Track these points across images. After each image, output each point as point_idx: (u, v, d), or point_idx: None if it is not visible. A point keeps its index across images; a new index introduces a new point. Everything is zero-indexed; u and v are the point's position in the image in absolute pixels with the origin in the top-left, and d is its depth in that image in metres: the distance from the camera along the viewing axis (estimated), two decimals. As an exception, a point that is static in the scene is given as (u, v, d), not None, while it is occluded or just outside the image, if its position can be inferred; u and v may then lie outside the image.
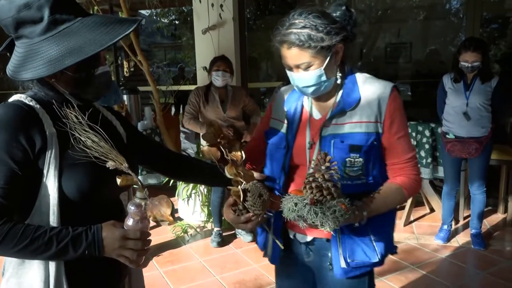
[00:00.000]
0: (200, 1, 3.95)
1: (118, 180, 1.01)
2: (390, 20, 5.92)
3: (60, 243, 0.96)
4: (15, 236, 0.93)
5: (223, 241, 3.62)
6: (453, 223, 3.61)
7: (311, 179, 1.14)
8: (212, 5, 3.96)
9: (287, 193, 1.24)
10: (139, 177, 3.94)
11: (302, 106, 1.38)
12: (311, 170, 1.19)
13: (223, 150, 1.24)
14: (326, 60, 1.23)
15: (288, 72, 1.30)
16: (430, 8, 5.86)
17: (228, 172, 1.22)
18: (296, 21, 1.22)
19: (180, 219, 4.07)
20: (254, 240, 3.60)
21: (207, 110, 3.41)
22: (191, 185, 3.89)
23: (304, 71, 1.25)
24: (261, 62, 6.55)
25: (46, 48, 0.98)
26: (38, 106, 1.03)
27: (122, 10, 4.01)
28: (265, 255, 1.47)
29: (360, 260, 1.30)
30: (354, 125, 1.26)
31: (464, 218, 3.87)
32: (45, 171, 1.00)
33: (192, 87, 4.44)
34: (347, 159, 1.24)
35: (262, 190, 1.20)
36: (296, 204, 1.15)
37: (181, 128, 6.54)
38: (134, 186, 1.08)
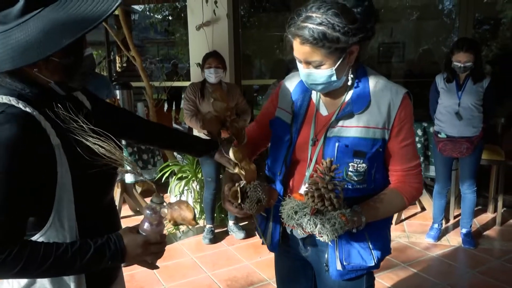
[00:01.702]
0: (194, -3, 3.93)
1: (139, 188, 1.00)
2: (383, 20, 5.94)
3: (84, 257, 0.93)
4: (36, 258, 0.89)
5: (215, 238, 3.61)
6: (443, 222, 3.64)
7: (314, 187, 1.11)
8: (207, 1, 3.94)
9: (288, 195, 1.22)
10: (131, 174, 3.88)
11: (310, 99, 1.34)
12: (313, 175, 1.16)
13: (226, 122, 1.18)
14: (339, 61, 1.17)
15: (298, 64, 1.24)
16: (423, 8, 5.89)
17: (233, 156, 1.18)
18: (314, 15, 1.14)
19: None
20: (246, 237, 3.61)
21: (203, 106, 3.39)
22: (183, 182, 3.87)
23: (314, 68, 1.19)
24: (255, 59, 6.54)
25: (26, 31, 0.86)
26: (35, 112, 0.93)
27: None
28: (264, 243, 1.46)
29: (356, 263, 1.29)
30: (361, 130, 1.22)
31: (455, 217, 3.90)
32: (58, 188, 0.95)
33: (186, 83, 4.43)
34: (350, 164, 1.22)
35: (261, 195, 1.16)
36: (296, 213, 1.14)
37: (174, 125, 6.51)
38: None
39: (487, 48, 5.39)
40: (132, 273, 2.98)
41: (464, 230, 3.45)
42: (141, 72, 3.92)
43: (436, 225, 3.54)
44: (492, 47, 5.54)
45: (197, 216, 3.91)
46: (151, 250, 1.01)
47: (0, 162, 0.86)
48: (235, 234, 3.66)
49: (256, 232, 1.52)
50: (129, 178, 3.78)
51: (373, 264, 1.30)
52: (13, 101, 0.92)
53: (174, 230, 3.75)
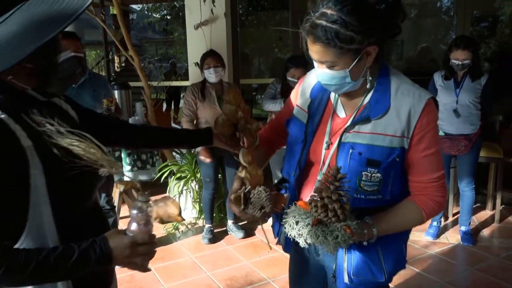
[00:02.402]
0: (192, -4, 3.93)
1: (121, 187, 0.97)
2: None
3: (68, 262, 0.89)
4: (17, 264, 0.85)
5: (215, 238, 3.61)
6: (442, 219, 3.64)
7: (317, 196, 1.05)
8: (204, 0, 3.94)
9: (294, 203, 1.16)
10: (130, 173, 3.86)
11: (328, 98, 1.26)
12: (318, 184, 1.10)
13: (238, 124, 1.13)
14: (353, 63, 1.09)
15: (314, 63, 1.17)
16: (422, 6, 5.89)
17: (242, 159, 1.14)
18: (329, 11, 1.05)
19: (171, 215, 4.06)
20: (246, 236, 3.61)
21: (204, 107, 3.37)
22: (182, 182, 3.87)
23: (327, 69, 1.12)
24: (253, 58, 6.54)
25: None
26: (3, 115, 0.89)
27: (113, 4, 3.97)
28: (278, 243, 1.43)
29: (364, 278, 1.22)
30: (377, 137, 1.12)
31: (453, 214, 3.91)
32: (32, 191, 0.90)
33: (184, 83, 4.43)
34: (363, 173, 1.13)
35: (264, 202, 1.12)
36: (297, 223, 1.08)
37: (173, 124, 6.50)
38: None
39: (485, 45, 5.39)
40: (131, 273, 2.98)
41: (463, 228, 3.46)
42: (139, 72, 3.91)
43: (435, 223, 3.55)
44: (490, 44, 5.53)
45: (196, 215, 3.93)
46: (139, 251, 0.98)
47: None
48: (234, 233, 3.67)
49: (259, 232, 1.47)
50: (127, 178, 3.79)
51: (384, 280, 1.22)
52: None
53: (174, 230, 3.75)
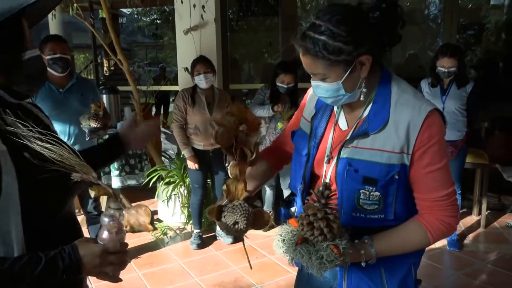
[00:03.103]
0: (182, 2, 3.93)
1: (92, 192, 0.94)
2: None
3: (34, 271, 0.85)
4: None
5: (203, 243, 3.60)
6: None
7: (304, 214, 1.01)
8: (194, 5, 3.94)
9: (285, 221, 1.12)
10: (118, 178, 3.82)
11: (332, 110, 1.21)
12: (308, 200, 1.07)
13: (237, 138, 1.08)
14: (345, 74, 1.04)
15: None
16: (410, 13, 5.98)
17: (230, 172, 1.09)
18: (317, 22, 1.02)
19: (159, 220, 4.03)
20: (234, 242, 3.60)
21: (194, 113, 3.36)
22: (171, 187, 3.85)
23: (320, 81, 1.08)
24: (243, 63, 6.55)
25: None
26: None
27: (102, 7, 3.96)
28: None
29: None
30: (375, 153, 1.07)
31: (440, 220, 3.94)
32: (3, 197, 0.86)
33: (173, 88, 4.41)
34: (361, 191, 1.08)
35: (239, 218, 1.07)
36: (283, 241, 1.05)
37: (162, 129, 6.47)
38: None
39: (471, 53, 5.49)
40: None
41: (449, 233, 3.49)
42: (128, 76, 3.89)
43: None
44: (476, 52, 5.64)
45: (184, 221, 3.91)
46: (110, 260, 0.93)
47: None
48: (223, 239, 3.66)
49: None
50: (115, 183, 3.75)
51: None
52: None
53: (162, 236, 3.73)
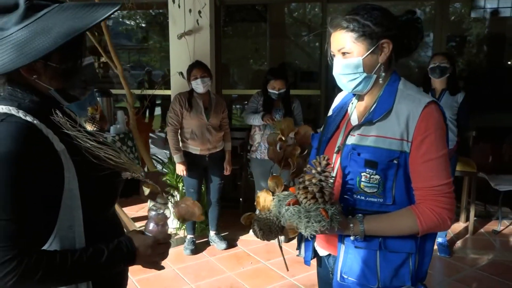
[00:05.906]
0: (179, 6, 3.91)
1: (147, 190, 1.04)
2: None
3: (99, 261, 0.94)
4: (53, 266, 0.89)
5: (197, 249, 3.58)
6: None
7: (301, 179, 1.13)
8: (190, 10, 3.94)
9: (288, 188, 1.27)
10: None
11: (346, 111, 1.34)
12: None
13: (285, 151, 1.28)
14: (367, 52, 1.17)
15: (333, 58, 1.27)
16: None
17: (268, 184, 1.26)
18: (353, 10, 1.20)
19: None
20: (228, 247, 3.59)
21: (190, 117, 3.35)
22: (163, 192, 3.81)
23: (342, 57, 1.21)
24: (235, 69, 6.56)
25: (25, 36, 0.88)
26: (35, 121, 0.91)
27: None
28: (299, 255, 1.47)
29: (356, 281, 1.22)
30: (377, 140, 1.17)
31: (429, 226, 4.02)
32: (65, 194, 0.93)
33: (167, 92, 4.37)
34: (362, 174, 1.17)
35: (264, 228, 1.23)
36: (279, 201, 1.17)
37: (150, 134, 6.40)
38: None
39: (460, 64, 5.65)
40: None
41: (439, 239, 3.57)
42: (122, 80, 3.84)
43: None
44: (464, 62, 5.81)
45: (177, 226, 3.87)
46: (159, 250, 1.03)
47: (5, 175, 0.85)
48: (217, 244, 3.64)
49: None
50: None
51: (376, 285, 1.20)
52: (13, 110, 0.92)
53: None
